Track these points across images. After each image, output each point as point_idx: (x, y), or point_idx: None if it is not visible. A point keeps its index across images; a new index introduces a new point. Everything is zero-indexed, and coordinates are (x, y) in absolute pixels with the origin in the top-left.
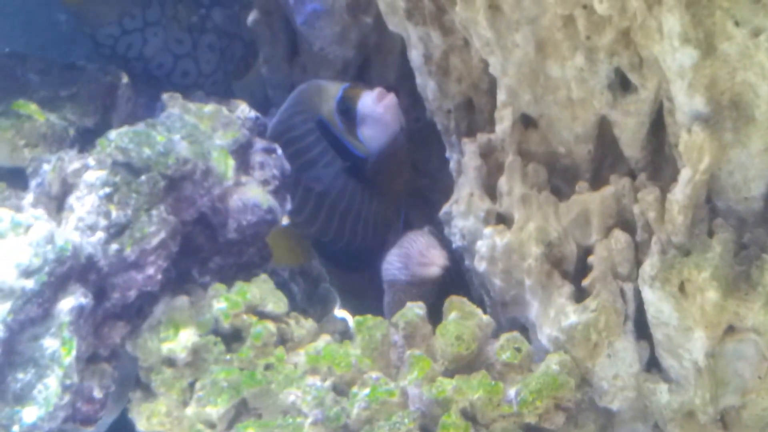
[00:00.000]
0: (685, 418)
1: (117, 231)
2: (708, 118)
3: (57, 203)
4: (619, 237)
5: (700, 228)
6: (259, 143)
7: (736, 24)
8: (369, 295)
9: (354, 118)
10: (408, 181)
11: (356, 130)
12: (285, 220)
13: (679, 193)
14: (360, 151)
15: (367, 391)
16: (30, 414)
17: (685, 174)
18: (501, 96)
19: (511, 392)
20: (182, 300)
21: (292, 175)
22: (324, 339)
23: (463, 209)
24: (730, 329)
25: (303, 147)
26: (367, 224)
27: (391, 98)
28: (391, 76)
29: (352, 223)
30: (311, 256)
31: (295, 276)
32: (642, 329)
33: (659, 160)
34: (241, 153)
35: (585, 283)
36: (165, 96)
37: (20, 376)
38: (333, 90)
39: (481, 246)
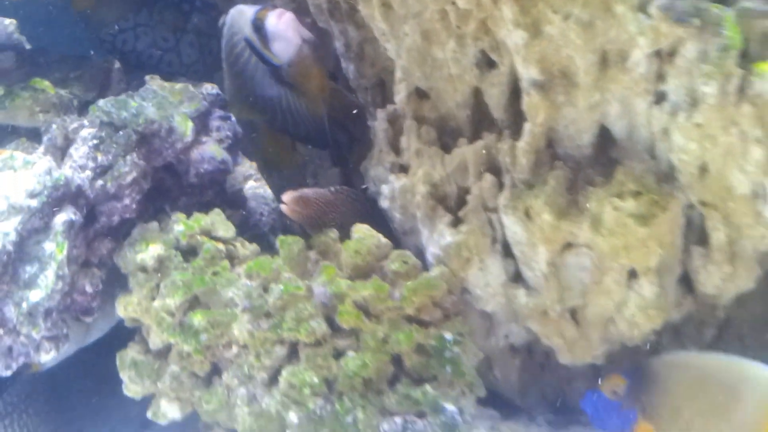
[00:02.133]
0: (540, 315)
1: (101, 171)
2: (542, 84)
3: (61, 152)
4: (488, 178)
5: (543, 169)
6: (218, 113)
7: (554, 11)
8: None
9: (265, 36)
10: (323, 83)
11: (269, 45)
12: None
13: (522, 141)
14: (276, 61)
15: (281, 286)
16: (35, 296)
17: (526, 127)
18: (398, 74)
19: (396, 292)
20: (153, 224)
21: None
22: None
23: (375, 162)
24: (569, 245)
25: (243, 60)
26: (299, 115)
27: (288, 16)
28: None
29: (291, 115)
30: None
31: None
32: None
33: (519, 120)
34: (202, 119)
35: (461, 214)
36: (147, 77)
37: (28, 269)
38: (249, 13)
39: (385, 188)
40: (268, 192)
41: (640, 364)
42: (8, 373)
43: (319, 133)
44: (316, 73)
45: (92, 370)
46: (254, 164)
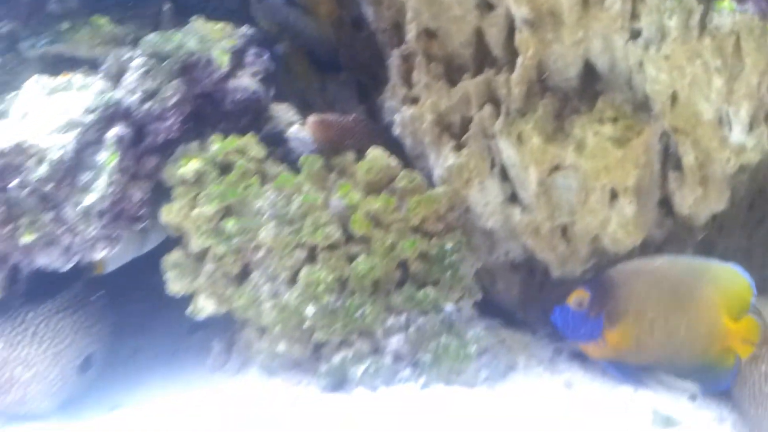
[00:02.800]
0: (533, 231)
1: (148, 95)
2: (532, 22)
3: (115, 79)
4: (487, 108)
5: (534, 99)
6: (253, 50)
7: None
8: None
9: None
10: (331, 8)
11: None
12: None
13: (516, 73)
14: None
15: (302, 197)
16: (89, 198)
17: (519, 60)
18: (409, 15)
19: (404, 207)
20: (193, 144)
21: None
22: None
23: (390, 95)
24: (556, 167)
25: None
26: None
27: None
28: None
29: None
30: None
31: None
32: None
33: (516, 57)
34: (238, 54)
35: (463, 140)
36: (193, 17)
37: (84, 176)
38: None
39: (398, 117)
40: (308, 136)
41: (601, 275)
42: (67, 268)
43: (329, 53)
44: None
45: (148, 281)
46: (297, 112)
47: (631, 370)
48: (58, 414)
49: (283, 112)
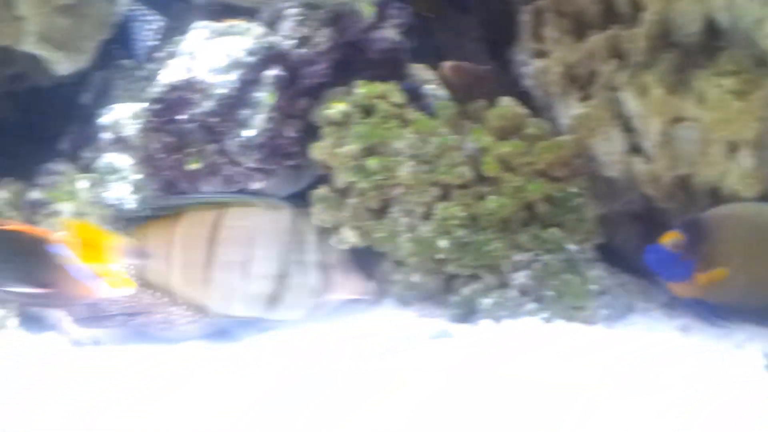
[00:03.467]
0: (654, 181)
1: (302, 41)
2: None
3: (273, 26)
4: (612, 61)
5: (657, 53)
6: (396, 3)
7: None
8: None
9: None
10: None
11: None
12: None
13: (641, 28)
14: None
15: (438, 139)
16: (248, 132)
17: (644, 16)
18: None
19: (532, 152)
20: (341, 88)
21: None
22: None
23: (521, 48)
24: (678, 119)
25: None
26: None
27: None
28: None
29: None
30: None
31: None
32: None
33: (641, 14)
34: (382, 7)
35: (588, 91)
36: None
37: (244, 112)
38: None
39: (528, 69)
40: (441, 93)
41: (695, 217)
42: None
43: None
44: None
45: None
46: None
47: (719, 309)
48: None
49: (418, 69)
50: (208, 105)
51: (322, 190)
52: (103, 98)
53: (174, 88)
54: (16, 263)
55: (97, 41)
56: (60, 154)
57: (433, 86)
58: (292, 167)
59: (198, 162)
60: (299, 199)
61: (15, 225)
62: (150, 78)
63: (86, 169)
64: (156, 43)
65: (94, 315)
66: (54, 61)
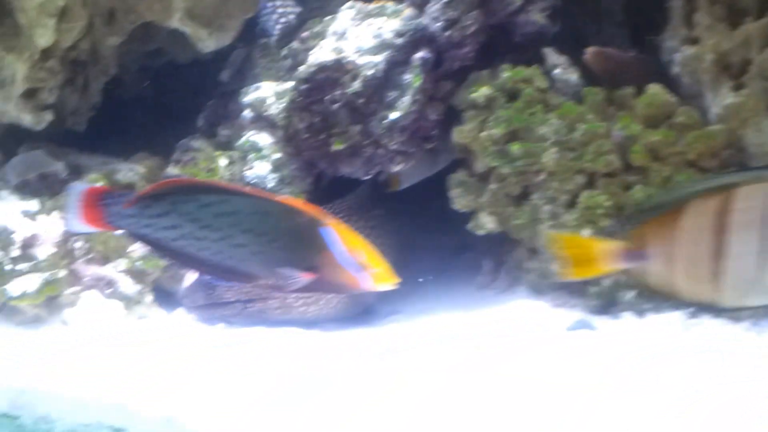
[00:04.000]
0: None
1: (449, 23)
2: None
3: (419, 7)
4: None
5: None
6: None
7: None
8: None
9: None
10: None
11: None
12: None
13: None
14: None
15: (585, 125)
16: (394, 114)
17: None
18: None
19: (680, 141)
20: (484, 72)
21: None
22: None
23: (670, 35)
24: None
25: None
26: None
27: None
28: None
29: None
30: None
31: None
32: None
33: None
34: None
35: (741, 80)
36: None
37: (390, 94)
38: None
39: (678, 56)
40: (572, 77)
41: None
42: (367, 177)
43: None
44: None
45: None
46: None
47: None
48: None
49: (550, 53)
50: (355, 86)
51: (460, 175)
52: (242, 76)
53: (323, 68)
54: (288, 242)
55: (241, 20)
56: (196, 130)
57: (562, 70)
58: (429, 150)
59: (341, 143)
60: (433, 183)
61: (293, 201)
62: (291, 57)
63: (222, 146)
64: (295, 21)
65: (212, 302)
66: (199, 38)
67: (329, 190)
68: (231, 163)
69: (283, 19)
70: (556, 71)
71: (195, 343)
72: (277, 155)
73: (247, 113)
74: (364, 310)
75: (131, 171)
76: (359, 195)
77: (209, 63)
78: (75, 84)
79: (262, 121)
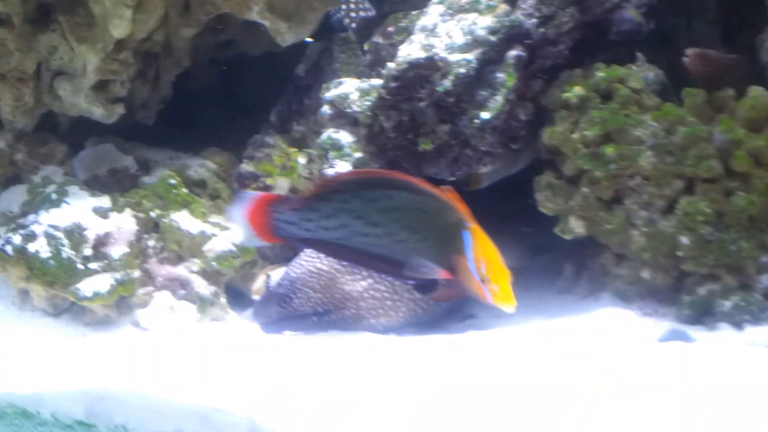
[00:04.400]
0: None
1: (544, 20)
2: None
3: (513, 2)
4: None
5: None
6: None
7: None
8: None
9: None
10: None
11: None
12: None
13: None
14: None
15: (685, 128)
16: (485, 114)
17: None
18: None
19: None
20: (577, 71)
21: None
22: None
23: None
24: None
25: None
26: None
27: None
28: None
29: None
30: None
31: None
32: None
33: None
34: None
35: None
36: None
37: (482, 92)
38: None
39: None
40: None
41: None
42: (452, 178)
43: None
44: None
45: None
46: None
47: None
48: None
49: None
50: (445, 84)
51: (548, 177)
52: (318, 71)
53: (414, 65)
54: (438, 240)
55: (322, 13)
56: (266, 125)
57: (638, 68)
58: (512, 151)
59: (429, 143)
60: (513, 184)
61: (447, 194)
62: (373, 52)
63: (296, 142)
64: (372, 15)
65: (284, 317)
66: (278, 32)
67: None
68: (310, 161)
69: (361, 13)
70: (633, 68)
71: (274, 348)
72: (358, 154)
73: (326, 109)
74: (435, 319)
75: (202, 167)
76: None
77: (281, 56)
78: (146, 76)
79: (342, 118)
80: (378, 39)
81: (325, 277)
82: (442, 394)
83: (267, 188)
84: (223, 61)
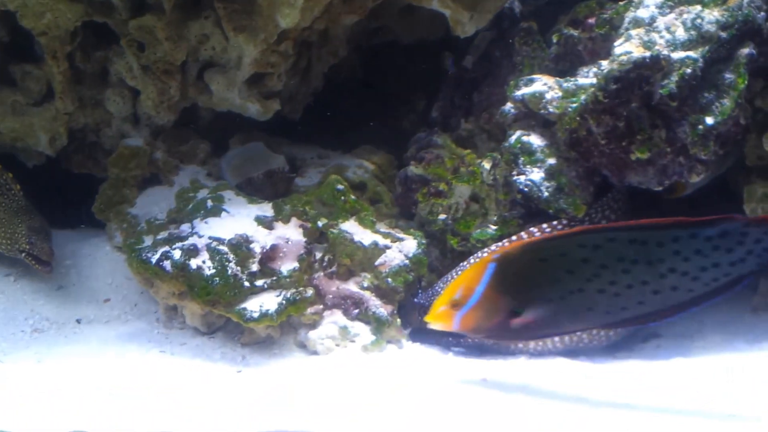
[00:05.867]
0: None
1: None
2: None
3: None
4: None
5: None
6: None
7: None
8: None
9: None
10: None
11: None
12: None
13: None
14: None
15: None
16: (710, 119)
17: None
18: None
19: None
20: None
21: None
22: None
23: None
24: None
25: None
26: None
27: None
28: None
29: None
30: None
31: None
32: None
33: None
34: None
35: None
36: None
37: (706, 94)
38: None
39: None
40: None
41: None
42: (659, 188)
43: None
44: None
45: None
46: None
47: None
48: None
49: None
50: (668, 86)
51: (761, 188)
52: (488, 62)
53: (638, 65)
54: None
55: (503, 1)
56: (431, 122)
57: None
58: (720, 156)
59: (645, 151)
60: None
61: None
62: (564, 44)
63: (462, 142)
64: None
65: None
66: (458, 21)
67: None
68: (494, 165)
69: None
70: None
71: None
72: (552, 160)
73: (511, 108)
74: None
75: (360, 168)
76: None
77: (435, 45)
78: (296, 67)
79: (530, 118)
80: (570, 30)
81: None
82: None
83: (439, 194)
84: (371, 49)
